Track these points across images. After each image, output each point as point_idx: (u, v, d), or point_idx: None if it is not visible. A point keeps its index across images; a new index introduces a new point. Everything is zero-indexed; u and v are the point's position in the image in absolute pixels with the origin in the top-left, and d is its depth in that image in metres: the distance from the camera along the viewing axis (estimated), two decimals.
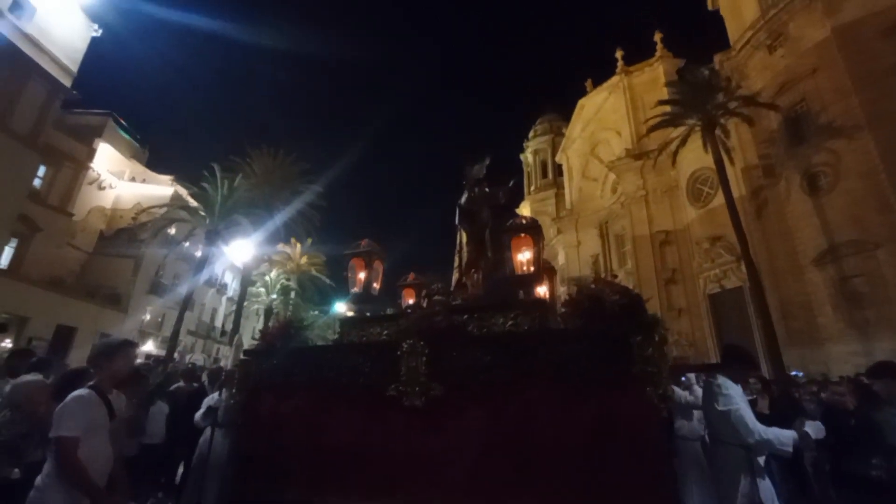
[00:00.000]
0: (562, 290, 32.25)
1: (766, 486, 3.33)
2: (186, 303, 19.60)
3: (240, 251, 20.48)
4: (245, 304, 24.77)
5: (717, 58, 20.82)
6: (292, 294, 29.56)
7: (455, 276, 4.12)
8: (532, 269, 3.29)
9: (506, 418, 2.75)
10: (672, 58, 27.92)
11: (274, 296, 28.88)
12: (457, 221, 3.93)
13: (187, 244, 23.09)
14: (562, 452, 2.56)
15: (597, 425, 2.53)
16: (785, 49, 17.93)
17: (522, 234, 3.32)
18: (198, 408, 4.84)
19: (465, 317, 3.22)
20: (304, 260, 30.42)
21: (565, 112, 38.15)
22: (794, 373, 13.08)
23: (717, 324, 21.06)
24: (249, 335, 34.88)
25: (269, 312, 28.45)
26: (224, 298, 32.67)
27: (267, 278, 29.23)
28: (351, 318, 3.89)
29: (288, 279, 29.38)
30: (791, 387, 7.80)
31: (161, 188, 26.39)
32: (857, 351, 14.09)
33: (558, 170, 39.10)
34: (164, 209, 21.79)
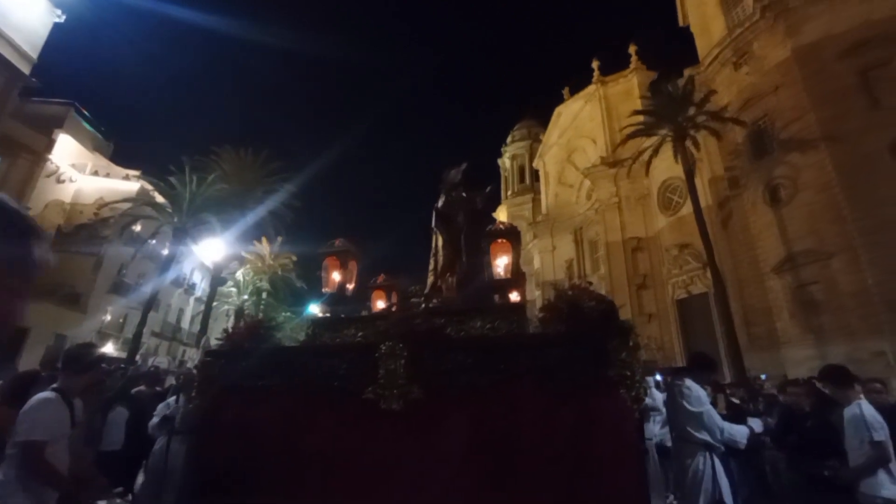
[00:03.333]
0: (536, 294, 32.66)
1: (725, 485, 3.64)
2: (151, 303, 18.83)
3: (210, 250, 19.87)
4: (214, 304, 24.00)
5: (687, 72, 21.62)
6: (264, 294, 28.82)
7: (430, 278, 4.11)
8: (510, 274, 3.31)
9: (486, 422, 2.74)
10: (646, 70, 28.84)
11: (245, 296, 28.08)
12: (433, 225, 3.93)
13: (153, 242, 22.19)
14: (542, 455, 2.59)
15: (576, 428, 2.57)
16: (750, 67, 18.80)
17: (501, 240, 3.34)
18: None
19: (443, 320, 3.21)
20: (276, 260, 29.75)
21: (543, 119, 38.82)
22: (762, 376, 13.62)
23: (684, 328, 21.80)
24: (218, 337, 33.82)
25: (239, 313, 27.57)
26: (192, 299, 31.56)
27: (238, 278, 28.39)
28: (324, 318, 3.80)
29: (260, 279, 28.63)
30: (753, 390, 8.12)
31: (126, 183, 25.27)
32: (813, 355, 14.83)
33: (535, 175, 39.70)
34: (129, 205, 20.87)
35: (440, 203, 3.87)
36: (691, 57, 23.04)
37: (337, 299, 3.71)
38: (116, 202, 20.85)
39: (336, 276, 3.67)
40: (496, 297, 3.54)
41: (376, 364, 2.82)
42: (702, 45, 22.35)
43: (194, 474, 3.01)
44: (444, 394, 2.80)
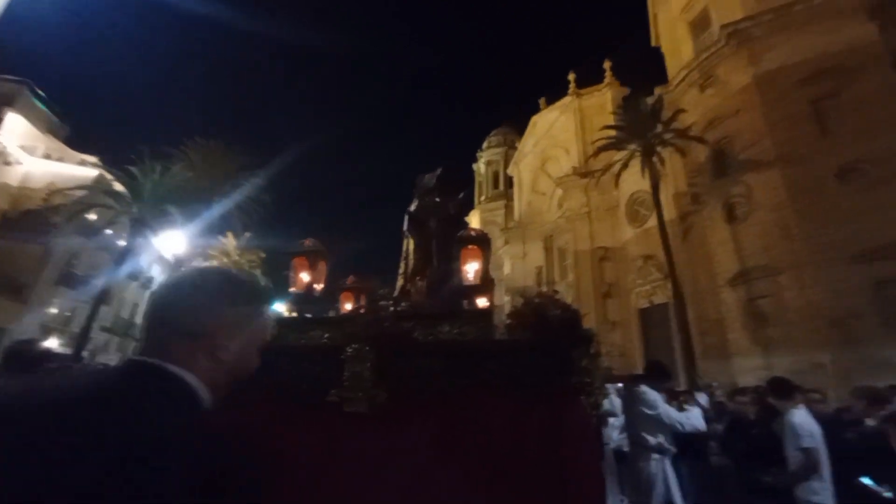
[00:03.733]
0: (505, 300, 33.10)
1: (676, 487, 3.93)
2: (102, 296, 17.81)
3: (171, 242, 19.00)
4: None
5: (657, 90, 22.54)
6: None
7: (399, 282, 4.10)
8: (479, 280, 3.35)
9: (451, 426, 2.75)
10: (619, 86, 29.84)
11: None
12: (405, 228, 3.93)
13: (109, 232, 21.06)
14: (506, 460, 2.63)
15: (538, 433, 2.62)
16: (714, 89, 19.80)
17: (472, 246, 3.37)
18: None
19: (412, 324, 3.21)
20: (242, 256, 28.81)
21: (519, 126, 39.47)
22: (713, 384, 14.26)
23: (645, 337, 22.61)
24: None
25: None
26: (148, 293, 30.11)
27: None
28: (290, 318, 3.72)
29: None
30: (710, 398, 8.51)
31: (82, 169, 23.91)
32: (760, 365, 15.70)
33: (509, 182, 40.28)
34: (84, 192, 19.72)
35: (413, 207, 3.89)
36: (662, 76, 24.07)
37: (304, 300, 3.63)
38: (70, 188, 19.65)
39: (304, 277, 3.60)
40: (465, 303, 3.57)
41: (342, 366, 2.74)
42: (671, 66, 23.37)
43: None
44: (410, 398, 2.80)
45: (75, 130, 28.69)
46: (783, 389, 4.20)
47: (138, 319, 29.29)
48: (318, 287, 3.67)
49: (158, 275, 30.46)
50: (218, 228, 23.31)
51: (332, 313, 4.66)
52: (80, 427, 0.66)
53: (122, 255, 18.68)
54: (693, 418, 4.28)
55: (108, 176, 21.13)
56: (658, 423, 4.15)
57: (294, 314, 4.05)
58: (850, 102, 15.89)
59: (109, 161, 22.32)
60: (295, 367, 2.86)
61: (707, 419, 6.82)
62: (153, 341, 0.87)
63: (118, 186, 19.61)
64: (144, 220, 18.36)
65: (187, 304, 0.88)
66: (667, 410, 4.15)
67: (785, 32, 17.60)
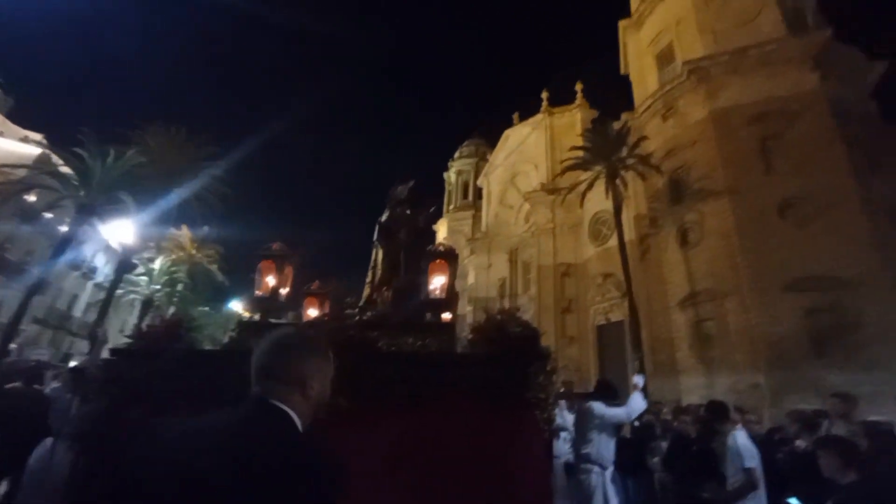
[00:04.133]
0: (468, 309, 33.26)
1: (614, 498, 4.26)
2: (38, 285, 16.47)
3: (119, 231, 17.88)
4: (118, 292, 21.56)
5: (624, 116, 23.64)
6: (180, 286, 26.45)
7: (366, 291, 4.10)
8: (444, 294, 3.40)
9: (410, 434, 2.79)
10: (588, 107, 31.06)
11: (157, 286, 25.55)
12: (375, 238, 3.94)
13: (49, 216, 19.56)
14: (461, 469, 2.70)
15: (494, 444, 2.72)
16: (674, 120, 21.00)
17: (439, 260, 3.43)
18: (38, 415, 4.07)
19: (377, 333, 3.23)
20: (199, 250, 27.51)
21: (491, 138, 40.16)
22: (661, 402, 14.94)
23: (601, 353, 23.39)
24: (117, 329, 30.31)
25: (147, 305, 25.07)
26: (90, 284, 28.11)
27: (152, 266, 25.78)
28: (253, 322, 3.65)
29: (177, 270, 26.25)
30: (655, 415, 8.89)
31: (23, 146, 22.16)
32: (703, 384, 16.62)
33: (478, 193, 40.80)
34: (24, 171, 18.26)
35: (384, 217, 3.90)
36: (629, 102, 25.28)
37: (269, 304, 3.57)
38: (8, 166, 18.13)
39: (270, 281, 3.56)
40: (429, 315, 3.61)
41: None
42: (638, 94, 24.60)
43: (82, 486, 2.71)
44: (371, 406, 2.81)
45: (20, 103, 26.60)
46: (722, 413, 4.51)
47: (77, 312, 27.28)
48: (284, 292, 3.63)
49: (103, 265, 28.52)
50: (174, 219, 22.23)
51: (289, 316, 4.60)
52: (235, 444, 1.09)
53: (63, 242, 17.35)
54: (633, 403, 4.73)
55: (54, 156, 19.67)
56: (605, 436, 4.47)
57: (255, 317, 3.95)
58: (792, 143, 17.32)
59: (57, 140, 20.82)
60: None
61: (654, 436, 7.17)
62: (265, 386, 1.30)
63: (64, 168, 18.28)
64: (92, 207, 17.20)
65: (284, 361, 1.34)
66: (612, 412, 4.57)
67: (739, 73, 18.98)
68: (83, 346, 24.42)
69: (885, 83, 20.46)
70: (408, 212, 3.89)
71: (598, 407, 4.60)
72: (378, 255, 3.89)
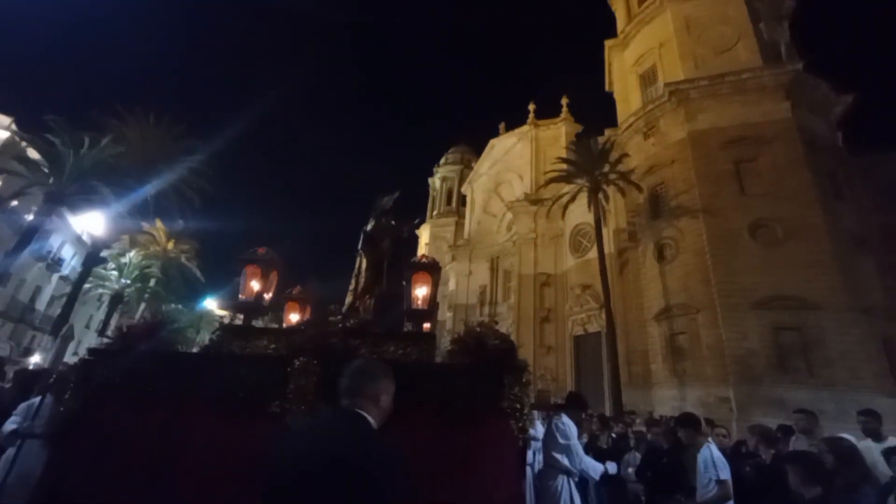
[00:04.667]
0: (448, 316, 33.24)
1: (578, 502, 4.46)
2: None
3: (90, 222, 17.24)
4: (86, 286, 20.75)
5: (607, 132, 24.25)
6: (152, 282, 25.62)
7: (349, 298, 4.11)
8: (426, 305, 3.43)
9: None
10: (573, 122, 31.74)
11: (128, 281, 24.67)
12: (359, 246, 3.95)
13: (15, 203, 18.73)
14: (439, 475, 2.73)
15: (468, 451, 2.77)
16: (655, 139, 21.66)
17: (422, 272, 3.47)
18: None
19: (359, 341, 3.25)
20: (176, 245, 26.74)
21: (477, 147, 40.57)
22: (633, 413, 15.25)
23: (578, 363, 23.72)
24: (83, 325, 29.11)
25: (116, 300, 24.17)
26: (55, 276, 26.93)
27: (124, 259, 24.87)
28: (235, 326, 3.65)
29: (150, 265, 25.43)
30: (628, 426, 9.08)
31: None
32: (675, 395, 17.05)
33: (462, 199, 41.03)
34: None
35: (369, 227, 3.93)
36: (612, 119, 25.96)
37: (252, 308, 3.58)
38: None
39: (255, 285, 3.57)
40: (411, 325, 3.65)
41: (287, 378, 2.80)
42: (621, 111, 25.29)
43: (53, 486, 2.67)
44: None
45: None
46: (694, 425, 4.66)
47: (40, 305, 26.09)
48: (267, 297, 3.62)
49: (70, 257, 27.41)
50: (151, 212, 21.56)
51: (262, 322, 4.58)
52: (337, 437, 1.66)
53: (28, 232, 16.63)
54: (590, 467, 4.76)
55: (23, 142, 18.88)
56: (567, 451, 4.61)
57: (236, 321, 3.92)
58: (764, 167, 18.08)
59: (27, 124, 20.00)
60: (237, 376, 2.80)
61: (626, 447, 7.31)
62: (352, 400, 1.81)
63: (34, 154, 17.57)
64: (61, 195, 16.54)
65: (364, 382, 1.85)
66: (575, 447, 4.62)
67: (716, 98, 19.75)
68: (46, 341, 23.35)
69: (851, 116, 21.65)
70: (392, 222, 3.94)
71: (570, 427, 4.70)
72: (362, 263, 3.91)
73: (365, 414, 1.75)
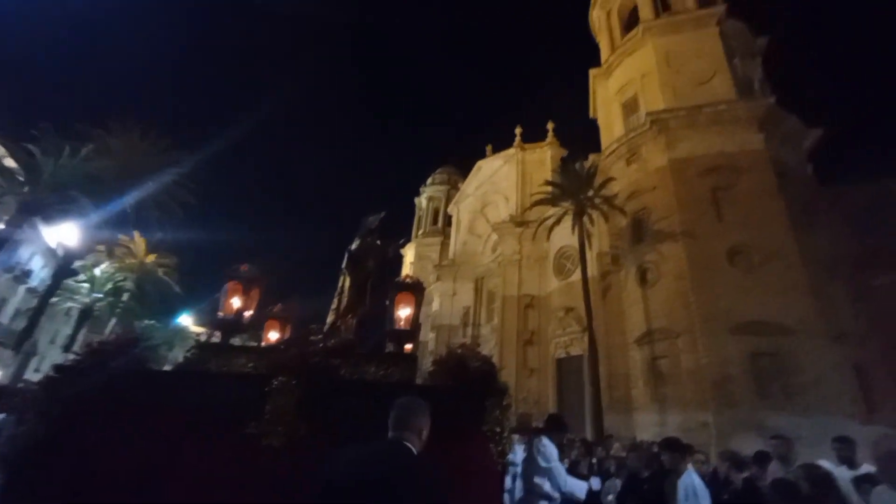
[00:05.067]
0: (430, 336, 32.92)
1: None
2: None
3: (64, 233, 16.71)
4: (55, 299, 19.95)
5: (591, 157, 24.88)
6: (125, 296, 24.77)
7: (331, 317, 4.04)
8: (409, 325, 3.39)
9: None
10: (558, 146, 32.48)
11: (100, 294, 23.80)
12: (343, 265, 3.91)
13: None
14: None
15: (451, 475, 2.75)
16: (637, 165, 22.31)
17: (406, 292, 3.44)
18: None
19: (340, 361, 3.19)
20: (150, 258, 26.00)
21: (464, 167, 41.08)
22: (612, 436, 15.14)
23: (560, 386, 23.60)
24: (48, 340, 27.82)
25: (85, 315, 23.24)
26: (23, 288, 25.84)
27: (97, 272, 24.03)
28: (212, 344, 3.55)
29: (124, 278, 24.63)
30: (607, 451, 9.00)
31: None
32: (656, 421, 17.05)
33: (448, 220, 41.24)
34: None
35: (354, 246, 3.90)
36: (596, 144, 26.72)
37: (232, 326, 3.49)
38: None
39: (236, 302, 3.48)
40: (393, 346, 3.59)
41: (265, 398, 2.73)
42: (605, 137, 26.04)
43: None
44: (330, 435, 2.77)
45: None
46: (678, 449, 4.66)
47: (4, 318, 24.92)
48: (248, 314, 3.54)
49: (40, 268, 26.40)
50: (132, 224, 21.05)
51: (240, 340, 4.45)
52: (386, 462, 2.00)
53: None
54: (576, 487, 4.75)
55: (1, 148, 18.38)
56: (549, 475, 4.56)
57: (214, 338, 3.80)
58: (740, 195, 18.74)
59: (5, 132, 19.51)
60: (213, 395, 2.70)
61: (608, 472, 7.23)
62: (398, 432, 2.14)
63: (9, 162, 17.10)
64: (36, 205, 16.05)
65: (409, 417, 2.19)
66: (558, 468, 4.57)
67: (695, 128, 20.55)
68: (6, 356, 22.22)
69: (820, 149, 22.75)
70: (378, 242, 3.92)
71: (551, 449, 4.65)
72: (345, 282, 3.86)
73: (407, 444, 2.09)
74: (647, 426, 17.10)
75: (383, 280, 3.70)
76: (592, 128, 28.82)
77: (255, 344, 3.77)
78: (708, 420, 15.48)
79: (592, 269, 21.67)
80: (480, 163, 36.69)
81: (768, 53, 25.07)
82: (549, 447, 4.60)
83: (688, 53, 22.90)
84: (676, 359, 17.55)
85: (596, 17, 30.49)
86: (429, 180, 46.63)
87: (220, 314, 3.52)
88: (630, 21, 27.32)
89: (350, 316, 3.78)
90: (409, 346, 4.15)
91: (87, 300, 23.50)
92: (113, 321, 24.68)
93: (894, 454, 2.92)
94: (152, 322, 28.49)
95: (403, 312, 3.44)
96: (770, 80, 23.62)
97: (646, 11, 25.37)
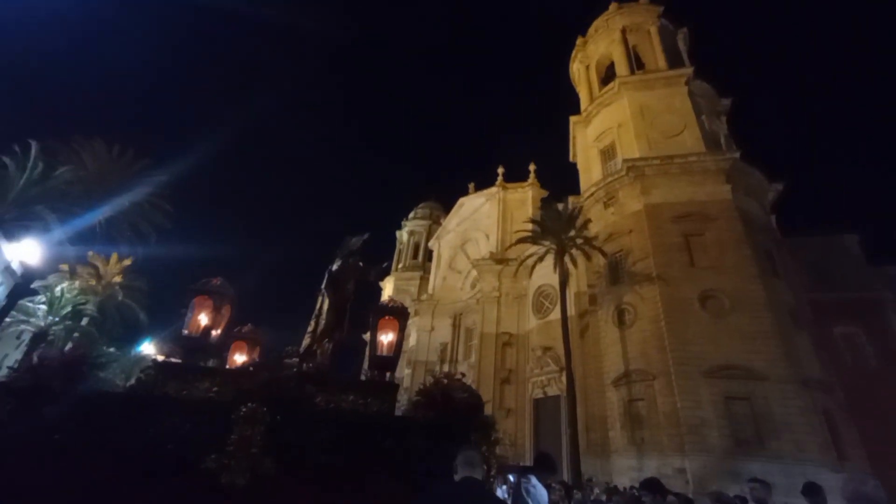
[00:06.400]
0: (406, 373, 31.99)
1: None
2: None
3: (25, 250, 15.85)
4: (7, 320, 18.65)
5: (571, 199, 25.68)
6: (85, 321, 23.37)
7: (307, 340, 3.85)
8: (392, 352, 3.27)
9: None
10: (539, 187, 33.49)
11: (56, 319, 22.37)
12: (323, 286, 3.79)
13: None
14: None
15: None
16: (614, 209, 23.10)
17: (389, 317, 3.33)
18: None
19: (315, 388, 2.98)
20: (118, 279, 24.80)
21: (446, 203, 41.67)
22: (592, 478, 14.74)
23: (537, 427, 23.08)
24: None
25: (39, 339, 21.73)
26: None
27: (58, 291, 22.67)
28: (172, 364, 3.24)
29: (86, 301, 23.33)
30: (586, 496, 8.73)
31: None
32: (634, 465, 16.72)
33: (428, 255, 41.29)
34: None
35: (335, 266, 3.79)
36: (575, 187, 27.67)
37: (197, 344, 3.20)
38: None
39: (203, 319, 3.22)
40: (376, 373, 3.43)
41: (229, 427, 2.48)
42: (584, 181, 27.04)
43: None
44: (299, 471, 2.53)
45: None
46: (658, 490, 4.55)
47: None
48: (216, 333, 3.28)
49: None
50: (100, 241, 20.23)
51: (210, 362, 4.17)
52: (472, 495, 2.51)
53: None
54: None
55: None
56: None
57: (173, 359, 3.54)
58: (709, 242, 19.53)
59: None
60: (168, 423, 2.45)
61: None
62: (469, 470, 2.51)
63: None
64: (1, 220, 15.31)
65: (477, 459, 2.64)
66: None
67: (667, 176, 21.60)
68: None
69: (782, 202, 24.19)
70: (360, 263, 3.83)
71: (541, 491, 4.40)
72: (323, 304, 3.72)
73: (475, 477, 2.49)
74: (625, 471, 16.74)
75: (364, 304, 3.59)
76: (572, 171, 29.99)
77: (221, 366, 3.51)
78: (685, 466, 15.28)
79: (571, 309, 21.80)
80: (463, 199, 37.33)
81: (732, 113, 27.03)
82: (539, 488, 4.29)
83: (660, 108, 24.44)
84: (653, 401, 17.48)
85: (576, 69, 32.46)
86: (411, 214, 46.96)
87: (185, 332, 3.25)
88: (608, 75, 29.18)
89: (327, 340, 3.61)
90: (389, 376, 3.99)
91: (42, 323, 22.03)
92: (68, 346, 23.10)
93: (861, 494, 2.91)
94: (111, 350, 26.85)
95: (386, 338, 3.31)
96: (734, 136, 25.31)
97: (622, 68, 27.20)
